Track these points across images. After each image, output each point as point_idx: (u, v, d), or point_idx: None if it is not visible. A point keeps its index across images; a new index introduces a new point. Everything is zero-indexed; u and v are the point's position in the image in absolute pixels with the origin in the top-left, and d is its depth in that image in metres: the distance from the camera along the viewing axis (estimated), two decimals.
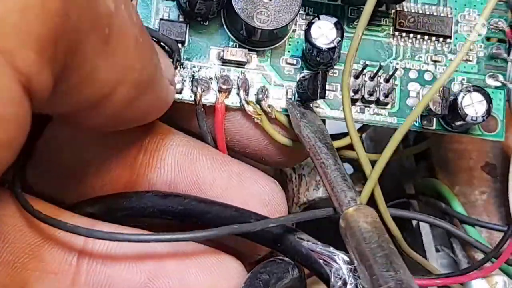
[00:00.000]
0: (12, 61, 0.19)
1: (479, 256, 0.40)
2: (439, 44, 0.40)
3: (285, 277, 0.32)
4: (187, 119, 0.39)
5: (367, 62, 0.39)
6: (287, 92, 0.38)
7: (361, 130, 0.42)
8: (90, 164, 0.35)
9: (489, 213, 0.46)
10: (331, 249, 0.31)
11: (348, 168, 0.51)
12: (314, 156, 0.34)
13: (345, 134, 0.43)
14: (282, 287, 0.31)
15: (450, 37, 0.40)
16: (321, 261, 0.31)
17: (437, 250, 0.46)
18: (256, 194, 0.35)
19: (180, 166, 0.35)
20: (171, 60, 0.36)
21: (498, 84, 0.40)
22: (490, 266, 0.36)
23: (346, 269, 0.29)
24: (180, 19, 0.38)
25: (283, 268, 0.32)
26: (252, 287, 0.30)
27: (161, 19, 0.37)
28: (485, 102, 0.36)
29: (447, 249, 0.46)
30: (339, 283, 0.29)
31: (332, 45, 0.36)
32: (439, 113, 0.36)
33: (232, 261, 0.34)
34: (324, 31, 0.36)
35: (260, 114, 0.37)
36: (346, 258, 0.30)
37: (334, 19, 0.36)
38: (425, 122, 0.39)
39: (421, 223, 0.46)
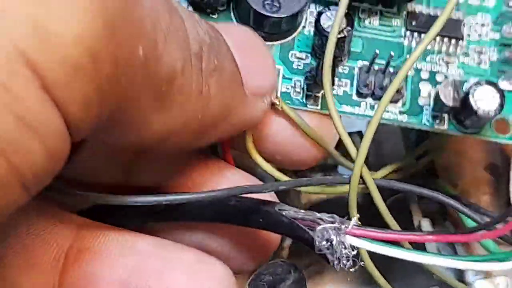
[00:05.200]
0: (61, 110, 0.21)
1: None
2: (451, 46, 0.40)
3: (288, 279, 0.32)
4: None
5: (378, 61, 0.39)
6: (295, 85, 0.38)
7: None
8: None
9: (491, 214, 0.44)
10: (313, 213, 0.30)
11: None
12: None
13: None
14: None
15: (462, 39, 0.40)
16: (305, 227, 0.30)
17: (439, 251, 0.45)
18: None
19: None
20: None
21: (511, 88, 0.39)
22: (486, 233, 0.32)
23: (330, 228, 0.29)
24: None
25: (285, 269, 0.33)
26: None
27: None
28: (498, 96, 0.35)
29: (449, 250, 0.45)
30: (323, 242, 0.28)
31: (342, 35, 0.36)
32: (450, 104, 0.36)
33: (217, 264, 0.32)
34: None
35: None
36: (329, 218, 0.29)
37: None
38: (437, 121, 0.38)
39: (422, 223, 0.45)
